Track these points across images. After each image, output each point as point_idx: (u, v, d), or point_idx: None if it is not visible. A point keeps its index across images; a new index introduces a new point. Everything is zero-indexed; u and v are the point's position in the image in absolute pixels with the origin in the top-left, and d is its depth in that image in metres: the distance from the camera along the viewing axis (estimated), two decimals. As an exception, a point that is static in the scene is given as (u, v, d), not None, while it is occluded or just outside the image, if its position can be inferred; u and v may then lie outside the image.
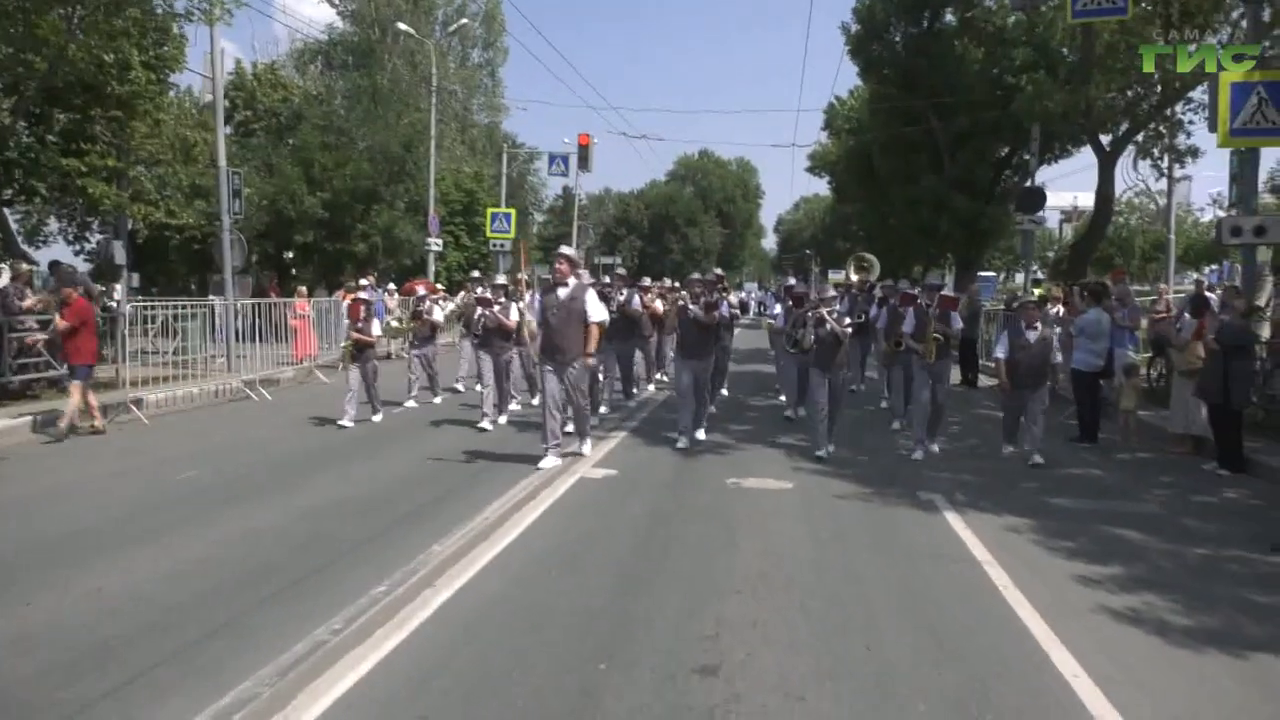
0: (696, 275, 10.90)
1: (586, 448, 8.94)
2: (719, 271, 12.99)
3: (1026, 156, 24.54)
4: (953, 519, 6.75)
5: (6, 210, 15.64)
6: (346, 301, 14.60)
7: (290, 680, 3.72)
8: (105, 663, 3.95)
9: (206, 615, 4.53)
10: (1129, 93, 19.52)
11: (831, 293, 9.79)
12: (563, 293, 8.28)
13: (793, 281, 14.79)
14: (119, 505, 6.84)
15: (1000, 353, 9.39)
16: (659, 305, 12.78)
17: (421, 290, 13.87)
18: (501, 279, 12.13)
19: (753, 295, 43.30)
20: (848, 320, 9.54)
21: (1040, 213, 23.79)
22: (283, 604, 4.73)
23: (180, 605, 4.67)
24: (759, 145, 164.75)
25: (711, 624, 4.53)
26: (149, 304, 13.47)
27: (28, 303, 11.58)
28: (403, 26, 26.80)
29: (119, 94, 13.93)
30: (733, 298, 12.66)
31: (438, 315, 12.98)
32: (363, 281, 16.59)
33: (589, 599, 4.89)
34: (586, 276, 10.56)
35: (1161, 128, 20.06)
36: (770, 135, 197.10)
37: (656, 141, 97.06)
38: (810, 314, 9.28)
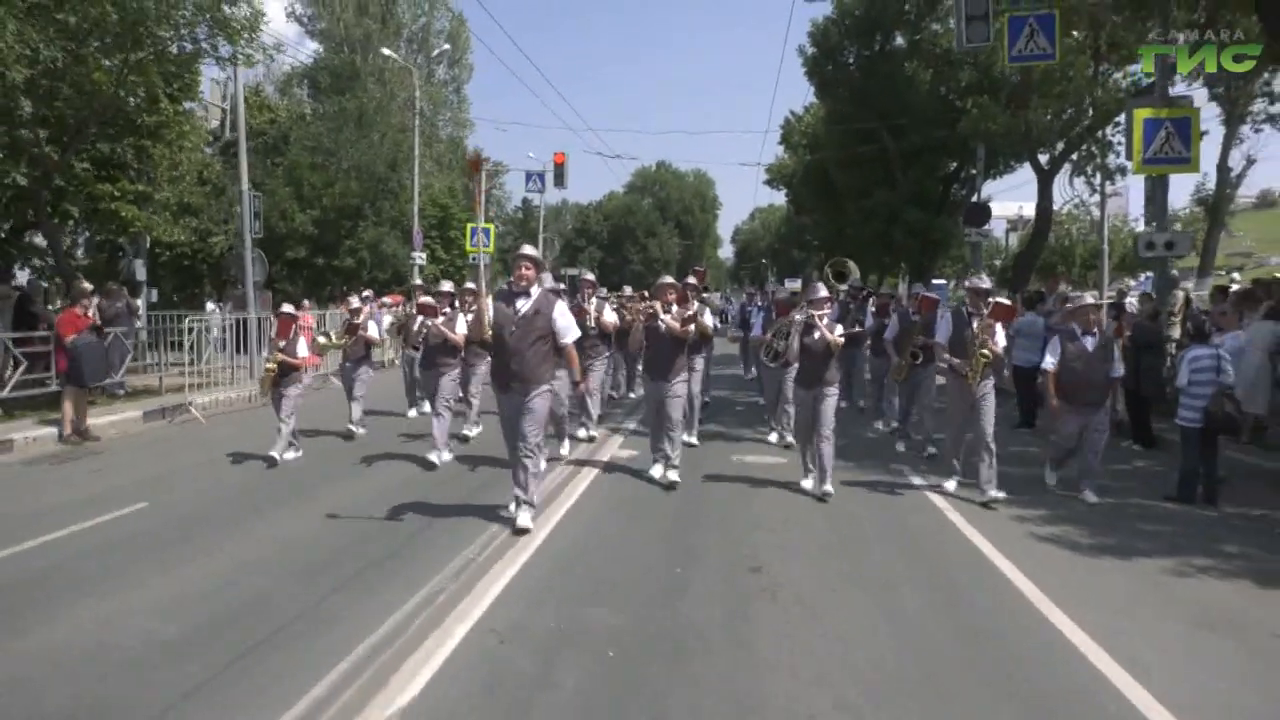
0: (668, 279, 8.65)
1: (525, 519, 6.51)
2: (696, 274, 10.08)
3: (973, 172, 26.63)
4: (919, 481, 8.34)
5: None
6: (344, 311, 13.14)
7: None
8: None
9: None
10: (1064, 116, 21.46)
11: (823, 293, 7.87)
12: (524, 304, 6.47)
13: (783, 288, 13.28)
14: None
15: (1049, 363, 7.78)
16: (609, 317, 10.47)
17: (356, 303, 11.64)
18: (448, 285, 10.30)
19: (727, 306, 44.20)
20: (840, 329, 7.85)
21: (986, 225, 25.74)
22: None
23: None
24: (726, 164, 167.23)
25: (750, 548, 6.07)
26: (178, 316, 14.70)
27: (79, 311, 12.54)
28: (386, 52, 28.06)
29: (148, 124, 15.06)
30: (713, 303, 11.58)
31: (373, 331, 11.20)
32: (364, 294, 17.44)
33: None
34: (549, 280, 8.58)
35: (1094, 148, 22.05)
36: (734, 149, 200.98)
37: (620, 155, 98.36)
38: (796, 319, 7.84)
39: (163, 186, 16.19)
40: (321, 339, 12.36)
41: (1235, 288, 13.56)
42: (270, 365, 9.24)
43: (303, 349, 9.38)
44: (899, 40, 30.45)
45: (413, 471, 8.74)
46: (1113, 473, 8.96)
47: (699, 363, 10.19)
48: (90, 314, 11.43)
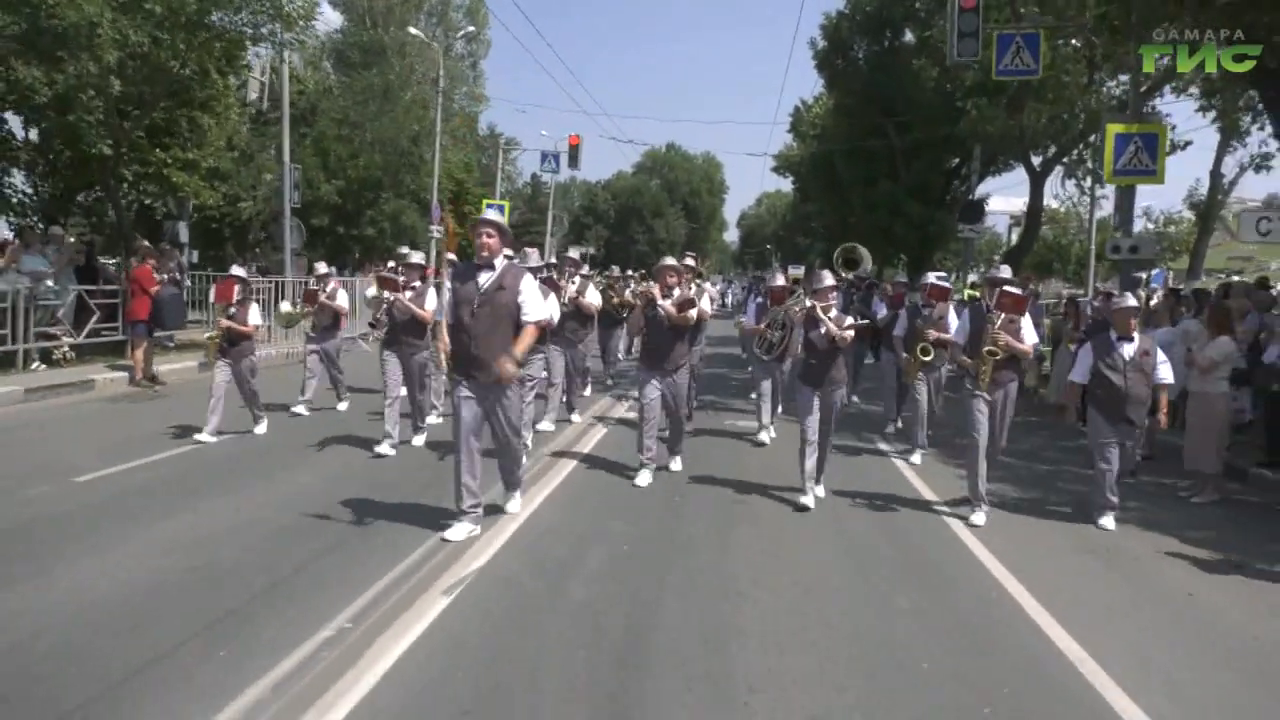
0: (669, 260, 8.06)
1: (515, 504, 6.41)
2: (693, 258, 9.84)
3: (974, 168, 27.80)
4: (897, 460, 9.28)
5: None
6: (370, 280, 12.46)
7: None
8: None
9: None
10: (1057, 120, 22.59)
11: (829, 282, 7.20)
12: (487, 279, 5.76)
13: (779, 276, 10.73)
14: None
15: (1077, 375, 7.12)
16: (592, 298, 10.02)
17: (323, 269, 11.04)
18: (418, 257, 9.01)
19: (727, 289, 45.14)
20: (849, 321, 7.12)
21: (980, 222, 26.89)
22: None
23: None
24: (734, 153, 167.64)
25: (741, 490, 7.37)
26: (215, 277, 15.97)
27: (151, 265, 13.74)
28: (413, 31, 29.13)
29: (199, 96, 16.24)
30: (710, 289, 10.98)
31: (342, 300, 10.40)
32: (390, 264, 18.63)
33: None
34: (535, 258, 8.43)
35: (1084, 153, 23.19)
36: (742, 139, 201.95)
37: (632, 141, 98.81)
38: (797, 310, 7.29)
39: (209, 155, 17.39)
40: (285, 307, 11.72)
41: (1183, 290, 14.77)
42: (213, 334, 8.46)
43: (255, 316, 8.67)
44: (908, 36, 31.35)
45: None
46: (1059, 447, 10.23)
47: (695, 354, 9.58)
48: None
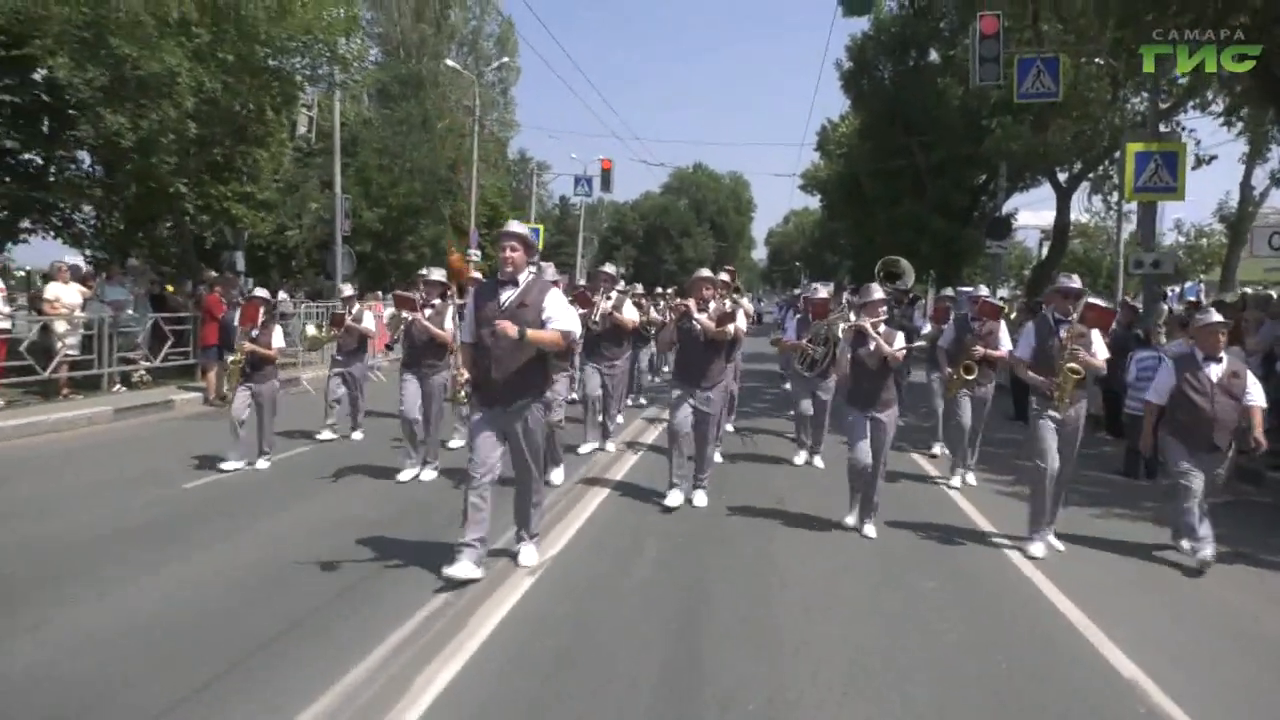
0: (705, 272, 7.72)
1: (530, 555, 5.70)
2: (729, 272, 9.31)
3: (1001, 185, 28.24)
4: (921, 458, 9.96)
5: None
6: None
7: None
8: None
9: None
10: (1082, 138, 23.03)
11: (878, 295, 6.80)
12: (509, 295, 5.37)
13: (819, 288, 10.67)
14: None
15: (1153, 395, 6.51)
16: (630, 314, 9.69)
17: (349, 291, 10.84)
18: (439, 274, 8.63)
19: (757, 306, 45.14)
20: (900, 338, 6.73)
21: (1007, 238, 27.30)
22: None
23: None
24: (762, 174, 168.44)
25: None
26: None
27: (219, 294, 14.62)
28: (450, 63, 30.23)
29: (257, 134, 17.16)
30: (747, 304, 10.40)
31: (369, 323, 10.15)
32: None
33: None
34: (551, 272, 7.78)
35: (1109, 169, 23.60)
36: (770, 160, 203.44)
37: (664, 164, 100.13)
38: (843, 325, 6.95)
39: (263, 188, 18.31)
40: (311, 330, 11.61)
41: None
42: (235, 358, 8.25)
43: (278, 339, 8.44)
44: (933, 56, 31.88)
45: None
46: (1082, 457, 10.68)
47: (729, 372, 8.51)
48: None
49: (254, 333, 8.25)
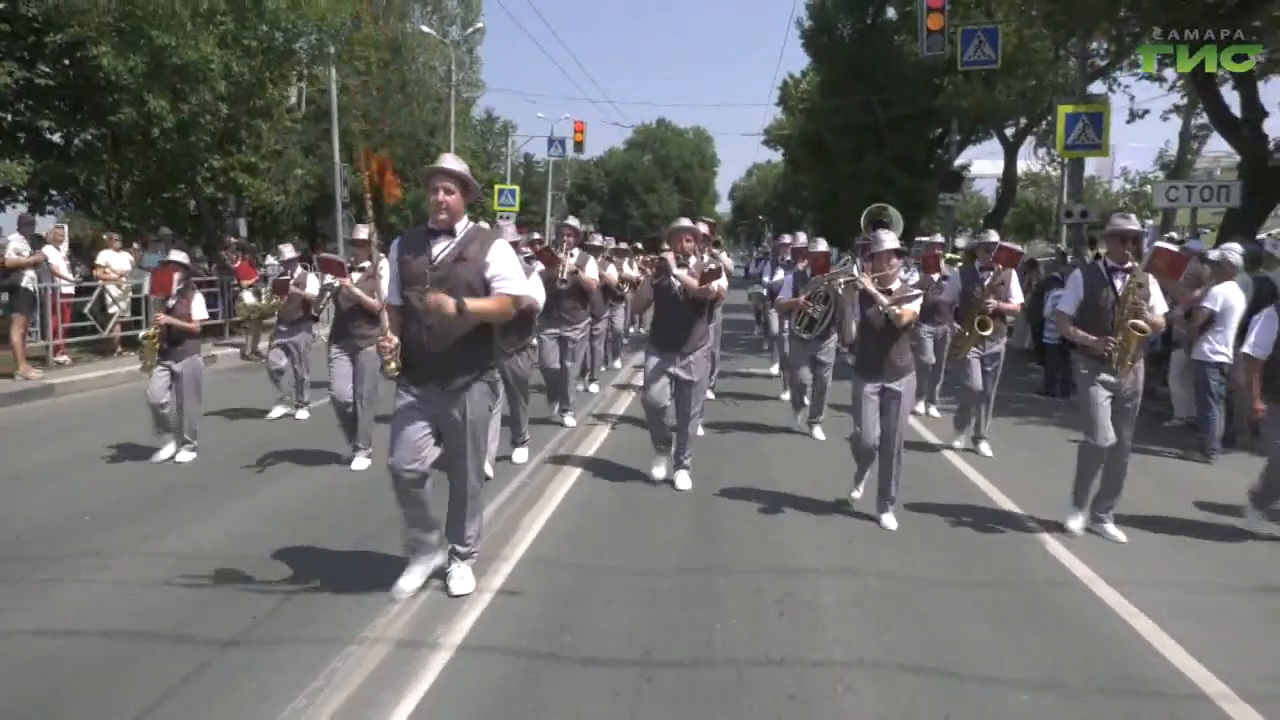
0: (685, 222, 6.81)
1: (463, 581, 4.54)
2: (708, 224, 8.68)
3: (956, 138, 29.84)
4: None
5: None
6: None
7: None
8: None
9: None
10: (1025, 95, 24.68)
11: (889, 244, 5.82)
12: (443, 248, 4.29)
13: (792, 239, 10.74)
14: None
15: (1251, 348, 5.71)
16: (611, 272, 9.11)
17: (290, 253, 9.40)
18: (364, 232, 6.74)
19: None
20: (916, 292, 5.83)
21: (959, 191, 29.04)
22: None
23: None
24: (728, 133, 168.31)
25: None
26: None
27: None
28: (425, 29, 31.06)
29: (259, 106, 18.27)
30: (727, 260, 9.40)
31: (312, 287, 8.50)
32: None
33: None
34: (511, 231, 6.94)
35: (1051, 123, 25.26)
36: (734, 119, 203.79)
37: (633, 125, 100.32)
38: (843, 280, 6.11)
39: (264, 157, 19.45)
40: (249, 298, 10.26)
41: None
42: (150, 333, 7.16)
43: (199, 309, 7.20)
44: (890, 13, 33.04)
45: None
46: (1015, 381, 12.46)
47: (711, 334, 7.41)
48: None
49: (170, 303, 7.11)
